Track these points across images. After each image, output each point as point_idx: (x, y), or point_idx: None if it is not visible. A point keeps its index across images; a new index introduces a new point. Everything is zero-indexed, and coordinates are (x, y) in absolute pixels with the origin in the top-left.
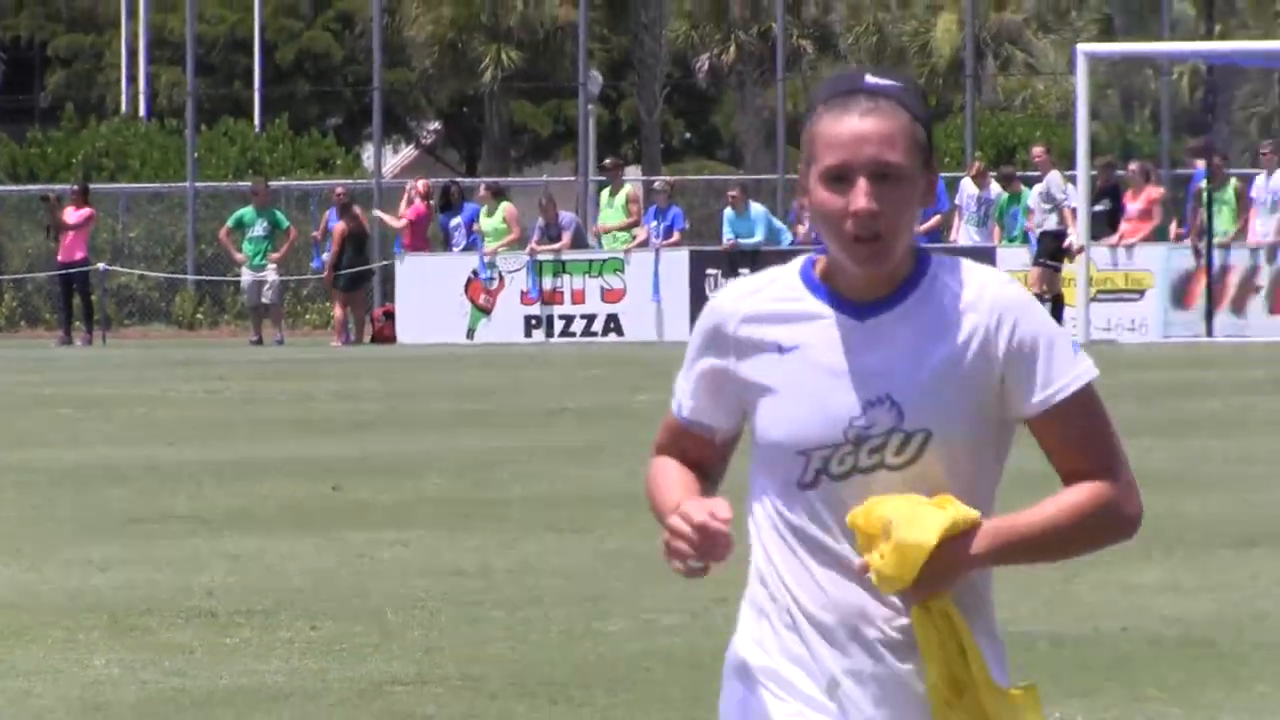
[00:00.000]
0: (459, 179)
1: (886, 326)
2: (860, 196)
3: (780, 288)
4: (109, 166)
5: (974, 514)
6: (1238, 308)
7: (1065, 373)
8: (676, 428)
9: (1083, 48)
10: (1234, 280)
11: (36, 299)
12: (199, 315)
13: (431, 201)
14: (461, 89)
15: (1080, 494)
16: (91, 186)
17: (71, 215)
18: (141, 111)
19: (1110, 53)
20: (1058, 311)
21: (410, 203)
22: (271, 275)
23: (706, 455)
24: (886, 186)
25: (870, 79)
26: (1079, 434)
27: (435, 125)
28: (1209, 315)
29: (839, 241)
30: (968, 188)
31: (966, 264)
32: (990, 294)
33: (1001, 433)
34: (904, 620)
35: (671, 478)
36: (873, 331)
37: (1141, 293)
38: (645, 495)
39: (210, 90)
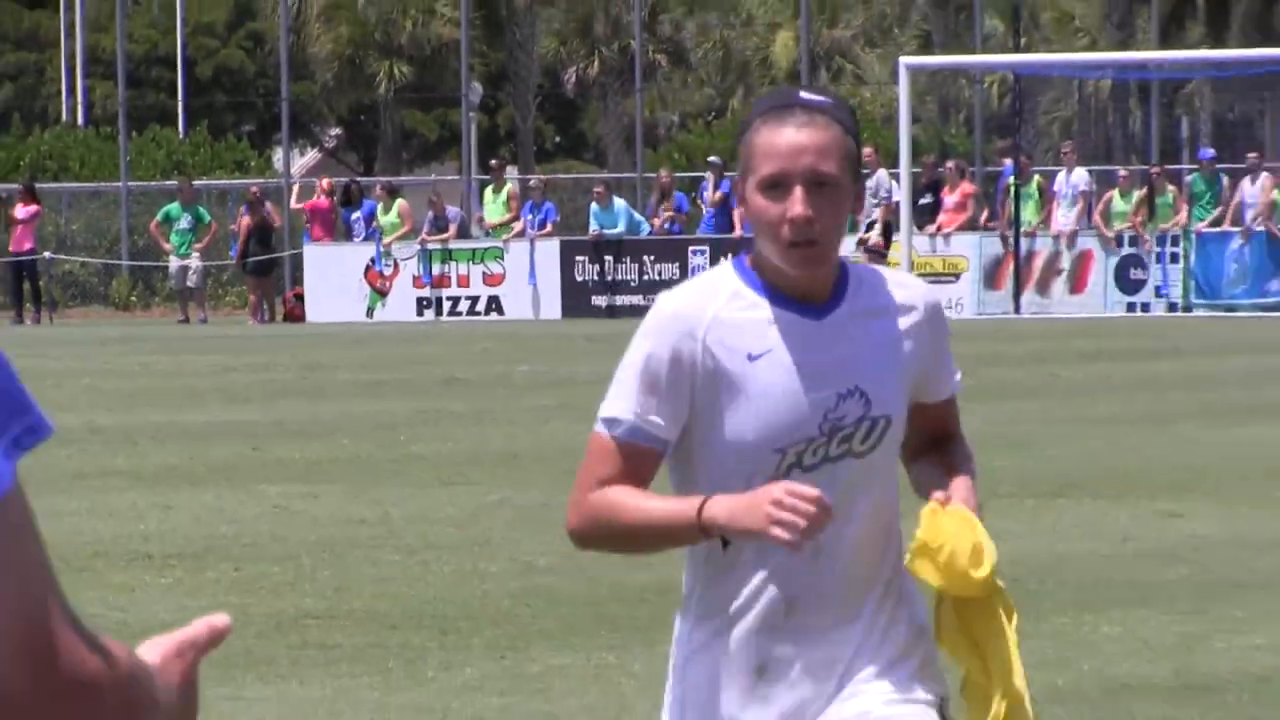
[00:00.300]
0: (358, 178)
1: (842, 323)
2: (797, 204)
3: (733, 294)
4: (52, 168)
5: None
6: (1042, 288)
7: (953, 367)
8: (617, 452)
9: (905, 60)
10: (1038, 264)
11: None
12: (133, 298)
13: (334, 197)
14: (359, 99)
15: (961, 448)
16: (37, 186)
17: (20, 211)
18: (80, 120)
19: (929, 64)
20: None
21: (316, 196)
22: (195, 262)
23: (648, 476)
24: (822, 195)
25: (805, 95)
26: (955, 408)
27: (336, 131)
28: (1016, 295)
29: (776, 246)
30: None
31: (880, 268)
32: (922, 295)
33: None
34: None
35: (636, 495)
36: (831, 329)
37: (958, 275)
38: (595, 526)
39: (139, 101)
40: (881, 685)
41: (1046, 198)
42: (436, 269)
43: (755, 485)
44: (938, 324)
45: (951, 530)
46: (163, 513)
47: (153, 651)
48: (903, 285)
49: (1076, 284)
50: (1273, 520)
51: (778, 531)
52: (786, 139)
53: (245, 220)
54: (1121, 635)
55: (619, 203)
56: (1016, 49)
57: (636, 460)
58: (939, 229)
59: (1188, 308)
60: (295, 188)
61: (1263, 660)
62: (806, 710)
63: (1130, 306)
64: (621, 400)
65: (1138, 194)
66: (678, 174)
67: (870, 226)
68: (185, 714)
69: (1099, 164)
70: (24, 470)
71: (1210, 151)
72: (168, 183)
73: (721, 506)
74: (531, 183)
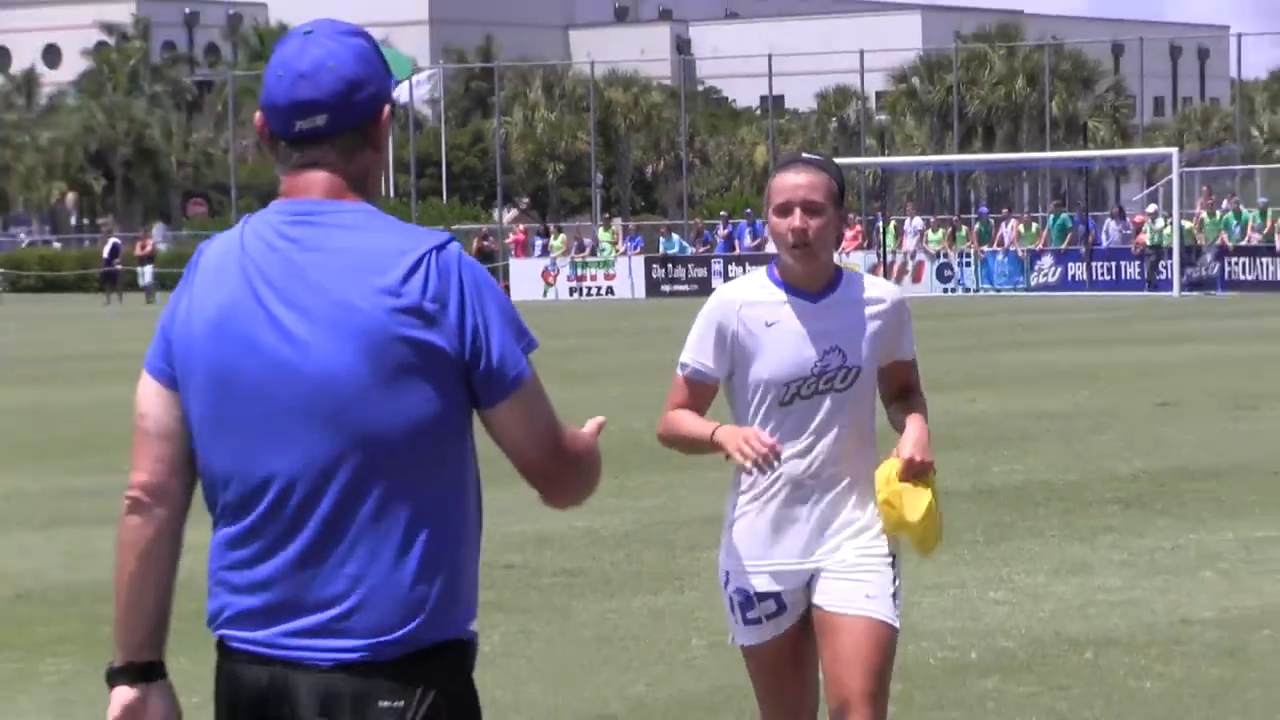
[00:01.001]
0: (540, 224)
1: (830, 306)
2: (795, 219)
3: (761, 286)
4: None
5: (927, 461)
6: (898, 281)
7: (910, 342)
8: (685, 384)
9: None
10: (896, 268)
11: None
12: None
13: (526, 235)
14: (538, 182)
15: (918, 397)
16: None
17: None
18: (390, 194)
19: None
20: None
21: (515, 234)
22: None
23: (703, 402)
24: (812, 215)
25: (805, 155)
26: (913, 370)
27: (525, 199)
28: None
29: (783, 248)
30: None
31: (863, 274)
32: (891, 292)
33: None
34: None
35: (689, 416)
36: (822, 309)
37: None
38: (665, 434)
39: (422, 184)
40: (855, 541)
41: (899, 233)
42: (579, 271)
43: (771, 407)
44: (900, 311)
45: (896, 488)
46: None
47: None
48: (877, 285)
49: (915, 277)
50: None
51: (738, 456)
52: (790, 180)
53: (475, 245)
54: None
55: (675, 236)
56: (882, 154)
57: (696, 391)
58: (843, 249)
59: (977, 291)
60: (509, 233)
61: None
62: (805, 552)
63: (945, 290)
64: (688, 351)
65: (944, 231)
66: (704, 220)
67: None
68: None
69: (926, 214)
70: None
71: (985, 208)
72: (439, 230)
73: (722, 432)
74: (629, 226)
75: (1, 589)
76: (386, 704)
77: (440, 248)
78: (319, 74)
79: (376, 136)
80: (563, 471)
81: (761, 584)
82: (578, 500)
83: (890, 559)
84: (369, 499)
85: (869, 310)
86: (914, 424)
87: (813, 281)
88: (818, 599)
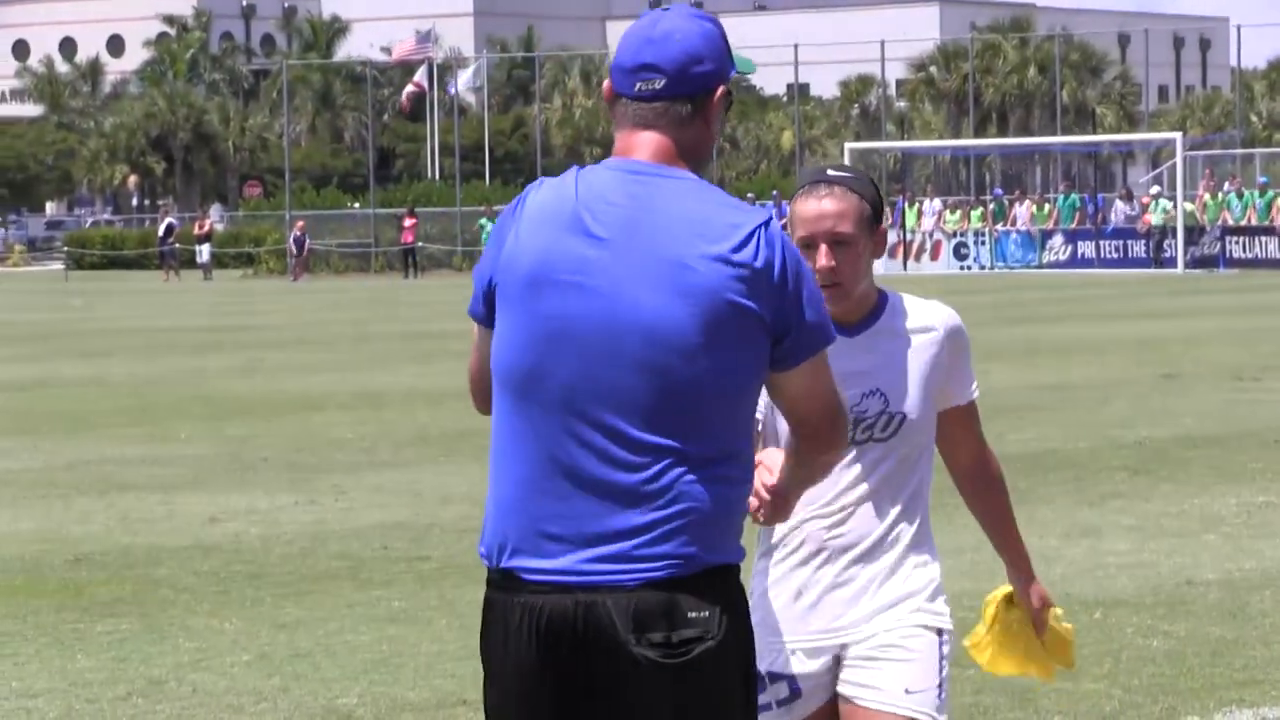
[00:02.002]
0: None
1: (870, 340)
2: (821, 258)
3: None
4: (422, 201)
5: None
6: (917, 259)
7: (972, 380)
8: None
9: (849, 145)
10: (915, 247)
11: None
12: (463, 267)
13: None
14: (578, 165)
15: (998, 484)
16: (416, 209)
17: (407, 222)
18: (435, 177)
19: (860, 148)
20: None
21: None
22: None
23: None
24: (841, 250)
25: (831, 171)
26: (972, 416)
27: None
28: (905, 262)
29: None
30: None
31: (910, 297)
32: (942, 319)
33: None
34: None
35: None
36: (860, 344)
37: None
38: None
39: (465, 169)
40: (893, 613)
41: (919, 213)
42: None
43: None
44: (955, 342)
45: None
46: None
47: None
48: (926, 310)
49: (933, 255)
50: None
51: (750, 500)
52: (813, 209)
53: None
54: None
55: None
56: (902, 139)
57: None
58: None
59: (992, 268)
60: None
61: None
62: (829, 628)
63: (962, 268)
64: None
65: (960, 211)
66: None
67: None
68: None
69: (944, 196)
70: None
71: (1000, 190)
72: (480, 208)
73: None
74: None
75: (61, 553)
76: (694, 614)
77: (767, 224)
78: (665, 42)
79: (708, 111)
80: (833, 434)
81: (774, 664)
82: (832, 461)
83: (938, 636)
84: (671, 441)
85: (916, 341)
86: (1018, 551)
87: (848, 314)
88: (845, 688)
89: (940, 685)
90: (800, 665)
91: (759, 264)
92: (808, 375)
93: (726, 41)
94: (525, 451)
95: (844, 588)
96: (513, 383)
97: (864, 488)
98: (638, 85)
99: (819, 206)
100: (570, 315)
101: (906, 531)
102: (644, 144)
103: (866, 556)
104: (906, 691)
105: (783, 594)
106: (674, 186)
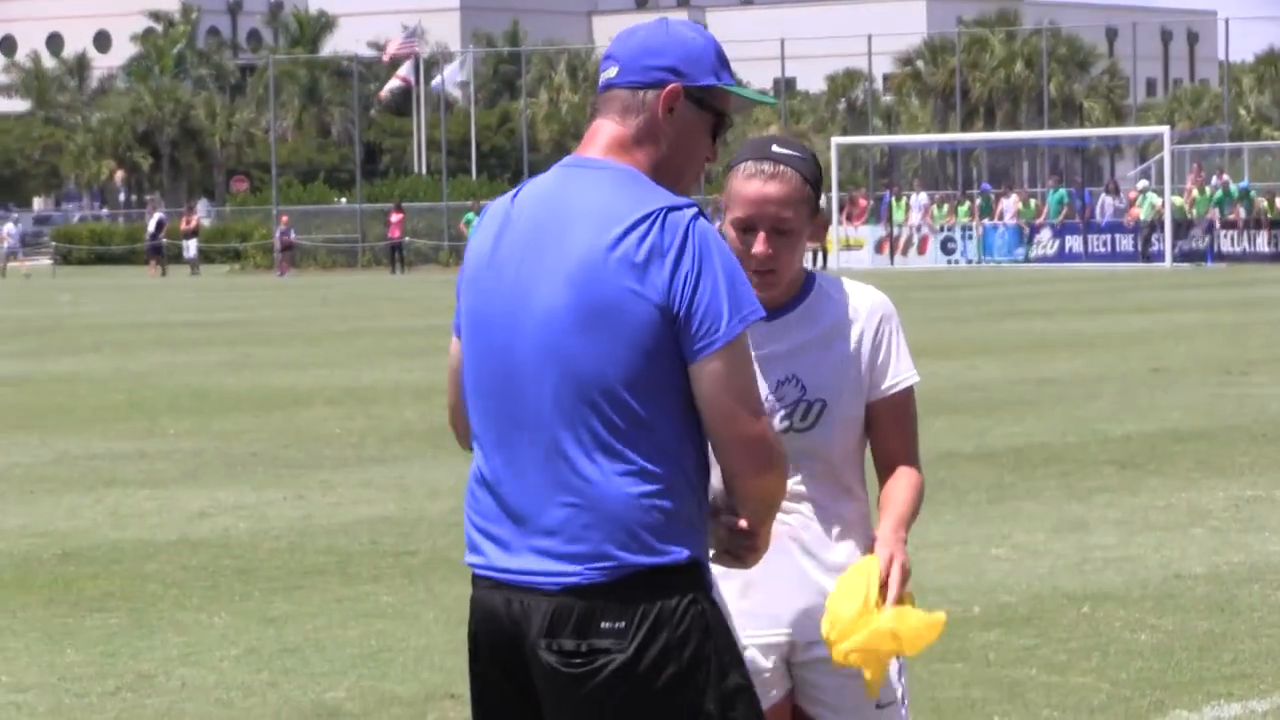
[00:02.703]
0: None
1: (789, 325)
2: (759, 244)
3: None
4: (409, 196)
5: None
6: (904, 253)
7: (901, 373)
8: None
9: (835, 139)
10: (902, 241)
11: None
12: (449, 262)
13: None
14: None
15: (905, 480)
16: (403, 204)
17: (394, 217)
18: (422, 171)
19: (846, 142)
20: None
21: None
22: None
23: None
24: (780, 237)
25: (777, 148)
26: (904, 411)
27: None
28: (891, 256)
29: (745, 270)
30: None
31: (845, 280)
32: (868, 302)
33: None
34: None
35: None
36: (778, 329)
37: (862, 246)
38: None
39: (451, 163)
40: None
41: (906, 208)
42: None
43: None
44: (880, 326)
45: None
46: None
47: None
48: (852, 294)
49: (920, 250)
50: None
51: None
52: (755, 190)
53: None
54: None
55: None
56: (889, 133)
57: None
58: (854, 224)
59: (979, 263)
60: None
61: None
62: (779, 619)
63: (949, 263)
64: None
65: (947, 206)
66: (721, 195)
67: None
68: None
69: (931, 190)
70: None
71: (988, 185)
72: (466, 203)
73: None
74: None
75: (49, 548)
76: (608, 624)
77: (674, 209)
78: (630, 35)
79: (656, 105)
80: (749, 446)
81: None
82: (763, 494)
83: None
84: (583, 435)
85: (838, 326)
86: (887, 519)
87: (774, 299)
88: (805, 701)
89: (904, 698)
90: (751, 662)
91: (651, 247)
92: (716, 376)
93: (713, 56)
94: (480, 449)
95: (789, 580)
96: (465, 382)
97: (794, 479)
98: (602, 77)
99: (761, 189)
100: (482, 311)
101: (845, 519)
102: (596, 133)
103: (808, 549)
104: (878, 708)
105: (730, 589)
106: (594, 176)
